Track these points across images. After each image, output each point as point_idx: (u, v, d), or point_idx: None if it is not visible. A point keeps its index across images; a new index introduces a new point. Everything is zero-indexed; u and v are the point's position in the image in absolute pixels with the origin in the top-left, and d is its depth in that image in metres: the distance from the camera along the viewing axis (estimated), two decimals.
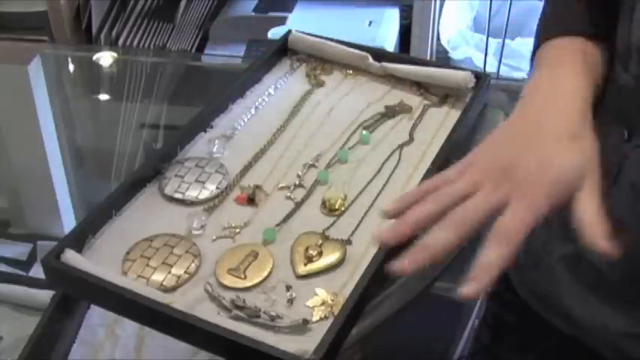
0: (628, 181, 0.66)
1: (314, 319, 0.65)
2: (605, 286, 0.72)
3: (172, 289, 0.68)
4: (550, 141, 0.60)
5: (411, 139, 0.85)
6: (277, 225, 0.74)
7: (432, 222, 0.58)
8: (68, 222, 1.18)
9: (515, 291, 0.83)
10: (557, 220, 0.76)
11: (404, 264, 0.57)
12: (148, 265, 0.69)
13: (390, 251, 0.70)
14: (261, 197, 0.77)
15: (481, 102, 0.90)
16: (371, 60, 0.93)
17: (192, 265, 0.70)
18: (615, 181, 0.66)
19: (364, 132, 0.85)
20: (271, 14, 1.63)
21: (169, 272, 0.69)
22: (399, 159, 0.82)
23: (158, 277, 0.68)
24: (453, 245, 0.57)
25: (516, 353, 0.88)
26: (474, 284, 0.55)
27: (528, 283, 0.81)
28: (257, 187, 0.78)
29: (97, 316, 0.82)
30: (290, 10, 1.64)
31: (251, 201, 0.77)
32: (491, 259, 0.56)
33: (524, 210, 0.57)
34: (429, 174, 0.77)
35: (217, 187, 0.78)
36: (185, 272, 0.69)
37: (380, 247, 0.65)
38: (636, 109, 0.64)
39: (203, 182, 0.78)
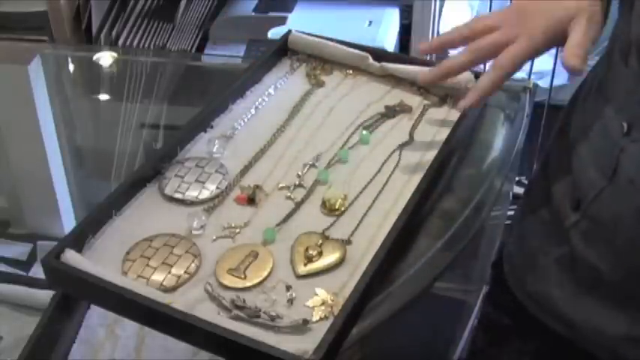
0: (625, 176, 0.66)
1: (314, 319, 0.65)
2: (603, 286, 0.72)
3: (172, 289, 0.68)
4: None
5: (411, 139, 0.85)
6: (277, 225, 0.74)
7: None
8: (68, 222, 1.18)
9: (512, 293, 0.83)
10: (553, 221, 0.76)
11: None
12: (148, 265, 0.69)
13: (390, 251, 0.70)
14: (261, 197, 0.77)
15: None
16: (371, 60, 0.93)
17: (192, 265, 0.70)
18: (612, 176, 0.67)
19: (364, 132, 0.85)
20: (271, 14, 1.63)
21: (169, 272, 0.69)
22: (399, 159, 0.82)
23: (158, 277, 0.68)
24: (465, 65, 0.79)
25: (512, 356, 0.88)
26: (468, 98, 0.77)
27: (524, 284, 0.81)
28: (257, 187, 0.78)
29: (97, 316, 0.82)
30: (290, 10, 1.64)
31: (251, 201, 0.77)
32: (483, 81, 0.77)
33: (523, 41, 0.74)
34: (429, 174, 0.77)
35: (217, 187, 0.78)
36: (185, 272, 0.69)
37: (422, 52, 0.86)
38: (636, 103, 0.65)
39: (203, 182, 0.78)
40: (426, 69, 0.85)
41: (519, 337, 0.87)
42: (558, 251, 0.75)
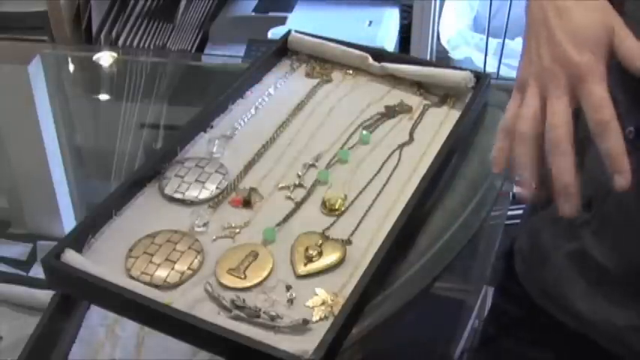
0: (633, 181, 0.66)
1: (314, 319, 0.65)
2: (611, 283, 0.72)
3: (176, 286, 0.68)
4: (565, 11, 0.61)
5: (411, 139, 0.85)
6: (277, 225, 0.74)
7: (536, 152, 0.60)
8: (68, 222, 1.18)
9: (522, 285, 0.84)
10: (565, 218, 0.77)
11: (563, 209, 0.59)
12: (151, 261, 0.69)
13: (390, 251, 0.70)
14: (256, 200, 0.77)
15: (481, 102, 0.90)
16: (371, 60, 0.93)
17: (196, 261, 0.70)
18: None
19: (364, 132, 0.85)
20: (271, 14, 1.63)
21: (173, 268, 0.69)
22: (399, 159, 0.82)
23: (161, 273, 0.68)
24: (573, 162, 0.59)
25: (522, 347, 0.89)
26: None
27: (535, 279, 0.81)
28: (252, 189, 0.78)
29: (97, 316, 0.82)
30: (290, 10, 1.64)
31: (246, 203, 0.76)
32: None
33: (595, 87, 0.58)
34: (428, 174, 0.77)
35: (217, 187, 0.78)
36: (188, 268, 0.69)
37: (528, 201, 0.63)
38: None
39: (203, 182, 0.78)
40: None
41: (529, 328, 0.87)
42: (569, 247, 0.76)
